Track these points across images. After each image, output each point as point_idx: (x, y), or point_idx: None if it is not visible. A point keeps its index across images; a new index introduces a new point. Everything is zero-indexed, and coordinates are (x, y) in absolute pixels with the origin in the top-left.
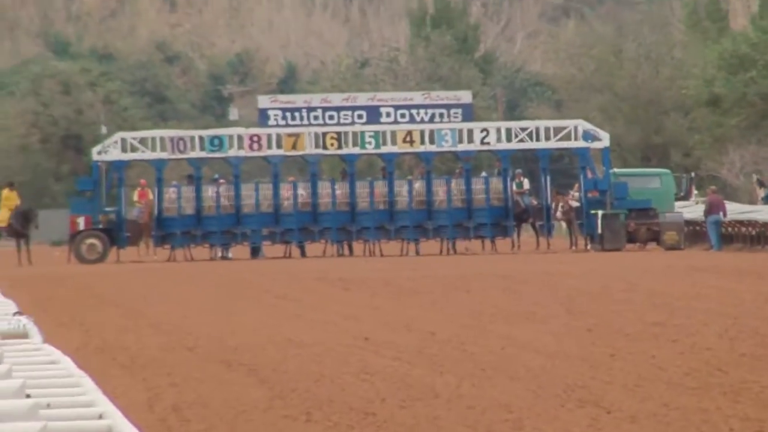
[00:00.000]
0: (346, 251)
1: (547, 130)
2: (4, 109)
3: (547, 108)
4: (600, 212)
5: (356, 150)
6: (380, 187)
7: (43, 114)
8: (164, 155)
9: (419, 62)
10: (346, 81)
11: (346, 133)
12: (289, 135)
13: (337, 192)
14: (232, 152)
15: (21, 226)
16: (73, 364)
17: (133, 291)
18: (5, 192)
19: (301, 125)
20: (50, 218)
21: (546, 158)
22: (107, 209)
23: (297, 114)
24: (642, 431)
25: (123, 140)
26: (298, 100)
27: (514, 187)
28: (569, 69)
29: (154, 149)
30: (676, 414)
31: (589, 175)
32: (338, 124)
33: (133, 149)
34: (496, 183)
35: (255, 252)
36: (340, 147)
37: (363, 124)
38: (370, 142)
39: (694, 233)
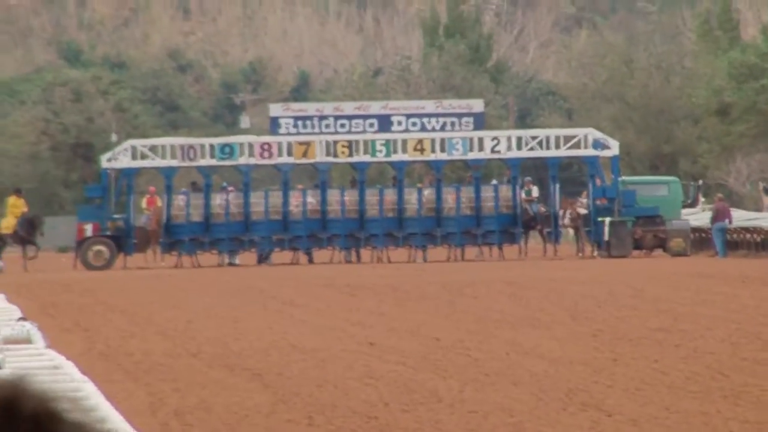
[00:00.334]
0: (354, 258)
1: (557, 138)
2: (14, 117)
3: (559, 117)
4: (607, 219)
5: (367, 158)
6: (390, 194)
7: (53, 122)
8: (174, 163)
9: (432, 71)
10: (358, 90)
11: (357, 141)
12: (300, 143)
13: (347, 199)
14: (243, 160)
15: (26, 233)
16: (76, 369)
17: (139, 297)
18: (12, 199)
19: (313, 133)
20: (58, 225)
21: (555, 166)
22: (115, 216)
23: (308, 122)
24: None
25: (133, 148)
26: (310, 108)
27: (523, 195)
28: (581, 78)
29: (164, 157)
30: (677, 417)
31: (598, 183)
32: (349, 132)
33: (143, 157)
34: (505, 191)
35: (262, 259)
36: (350, 155)
37: (374, 132)
38: (381, 150)
39: (700, 240)
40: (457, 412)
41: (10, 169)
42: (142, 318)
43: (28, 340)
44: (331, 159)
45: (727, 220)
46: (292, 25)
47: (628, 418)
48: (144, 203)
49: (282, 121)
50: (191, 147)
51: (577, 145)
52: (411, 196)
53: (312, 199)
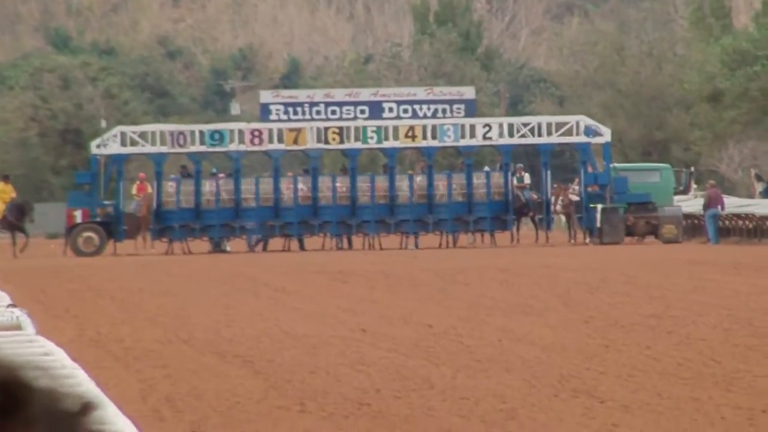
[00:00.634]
0: (346, 245)
1: (549, 125)
2: (2, 103)
3: (551, 104)
4: (599, 206)
5: (358, 144)
6: (381, 181)
7: (42, 108)
8: (164, 149)
9: (423, 58)
10: (349, 77)
11: (348, 127)
12: (291, 129)
13: (338, 186)
14: (233, 146)
15: (16, 219)
16: (66, 355)
17: (129, 284)
18: (0, 185)
19: (303, 120)
20: (47, 211)
21: (547, 153)
22: (105, 202)
23: (299, 109)
24: (634, 420)
25: (122, 134)
26: (301, 95)
27: (515, 182)
28: (572, 66)
29: (154, 143)
30: (669, 403)
31: (590, 170)
32: (340, 119)
33: (133, 143)
34: (497, 178)
35: (257, 243)
36: (342, 142)
37: (365, 119)
38: (372, 137)
39: (692, 227)
40: (449, 399)
41: None
42: (133, 304)
43: (17, 327)
44: (322, 146)
45: (719, 207)
46: (282, 12)
47: (620, 404)
48: (134, 189)
49: (272, 108)
50: (181, 133)
51: (568, 132)
52: (402, 183)
53: (303, 186)
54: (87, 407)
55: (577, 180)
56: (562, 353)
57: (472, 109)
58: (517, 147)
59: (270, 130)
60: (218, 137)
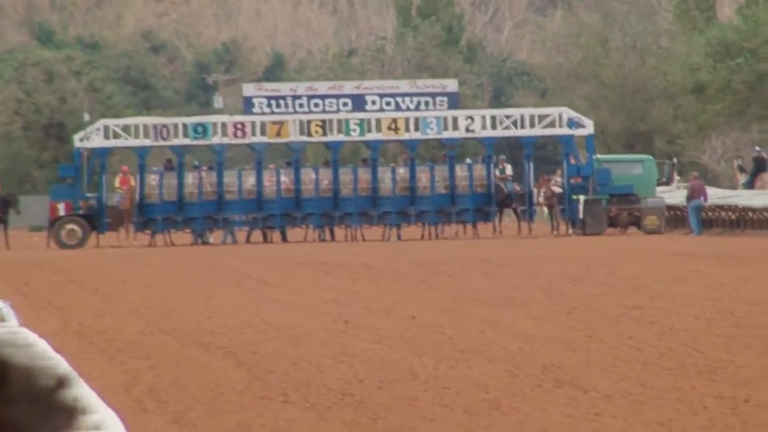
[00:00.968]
0: (328, 236)
1: (531, 117)
2: None
3: (533, 97)
4: (582, 197)
5: (341, 137)
6: (364, 173)
7: (26, 102)
8: (147, 142)
9: (406, 52)
10: (332, 71)
11: (330, 120)
12: (274, 122)
13: (321, 178)
14: (216, 139)
15: (1, 212)
16: (49, 347)
17: (112, 276)
18: None
19: (286, 113)
20: (31, 204)
21: (530, 145)
22: (88, 195)
23: (282, 102)
24: (617, 410)
25: (106, 127)
26: (284, 88)
27: (497, 173)
28: (556, 58)
29: (137, 136)
30: (652, 393)
31: (572, 162)
32: (323, 112)
33: (116, 136)
34: (479, 170)
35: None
36: (324, 134)
37: (348, 112)
38: (354, 130)
39: (675, 218)
40: (431, 389)
41: None
42: (116, 296)
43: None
44: (305, 138)
45: (702, 198)
46: (265, 6)
47: (603, 394)
48: (117, 182)
49: (255, 101)
50: (164, 126)
51: (551, 124)
52: (385, 175)
53: (286, 178)
54: (62, 382)
55: (559, 171)
56: (545, 344)
57: (455, 101)
58: (500, 139)
59: (253, 123)
60: (201, 130)
